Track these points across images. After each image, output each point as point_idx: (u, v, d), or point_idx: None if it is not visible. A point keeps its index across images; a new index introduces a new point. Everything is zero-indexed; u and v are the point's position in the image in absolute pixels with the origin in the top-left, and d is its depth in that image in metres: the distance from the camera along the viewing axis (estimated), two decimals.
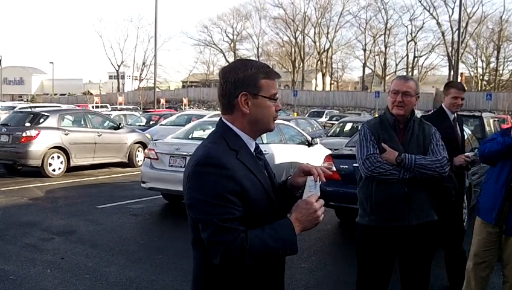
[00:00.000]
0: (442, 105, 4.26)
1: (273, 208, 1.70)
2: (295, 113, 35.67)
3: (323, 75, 64.94)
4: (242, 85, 1.70)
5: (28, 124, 11.61)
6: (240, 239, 1.56)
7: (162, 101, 42.02)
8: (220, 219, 1.57)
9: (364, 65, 63.26)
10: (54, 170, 11.35)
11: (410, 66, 61.47)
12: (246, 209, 1.63)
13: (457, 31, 37.02)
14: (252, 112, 1.72)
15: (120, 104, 40.11)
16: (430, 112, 5.24)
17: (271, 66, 1.84)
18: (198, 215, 1.63)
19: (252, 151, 1.78)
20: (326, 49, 64.14)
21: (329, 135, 15.25)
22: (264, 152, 1.92)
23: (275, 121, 1.82)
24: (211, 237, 1.59)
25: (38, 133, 11.22)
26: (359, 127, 11.10)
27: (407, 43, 60.97)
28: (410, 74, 56.04)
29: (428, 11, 58.19)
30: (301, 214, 1.64)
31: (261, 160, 1.81)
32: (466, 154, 4.25)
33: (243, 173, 1.65)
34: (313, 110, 38.64)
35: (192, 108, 45.76)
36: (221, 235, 1.57)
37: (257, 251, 1.58)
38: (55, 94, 68.09)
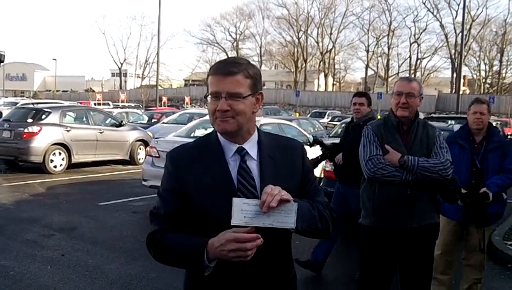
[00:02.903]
0: None
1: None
2: (297, 114, 35.59)
3: (326, 76, 64.88)
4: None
5: (30, 120, 11.64)
6: (157, 236, 1.63)
7: (164, 99, 41.96)
8: (152, 211, 1.70)
9: (366, 66, 63.15)
10: (55, 167, 11.37)
11: (413, 67, 61.37)
12: (193, 210, 1.62)
13: (460, 34, 37.06)
14: None
15: (122, 101, 40.08)
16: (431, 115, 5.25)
17: (256, 64, 1.74)
18: None
19: (230, 155, 1.66)
20: (329, 49, 64.05)
21: (331, 135, 15.20)
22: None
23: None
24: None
25: (40, 130, 11.24)
26: None
27: (410, 44, 60.95)
28: (412, 75, 55.92)
29: (432, 13, 58.16)
30: (219, 242, 1.48)
31: (243, 168, 1.65)
32: None
33: (195, 174, 1.63)
34: (315, 110, 38.61)
35: (194, 106, 45.67)
36: (151, 225, 1.69)
37: (166, 255, 1.62)
38: (57, 91, 68.18)
